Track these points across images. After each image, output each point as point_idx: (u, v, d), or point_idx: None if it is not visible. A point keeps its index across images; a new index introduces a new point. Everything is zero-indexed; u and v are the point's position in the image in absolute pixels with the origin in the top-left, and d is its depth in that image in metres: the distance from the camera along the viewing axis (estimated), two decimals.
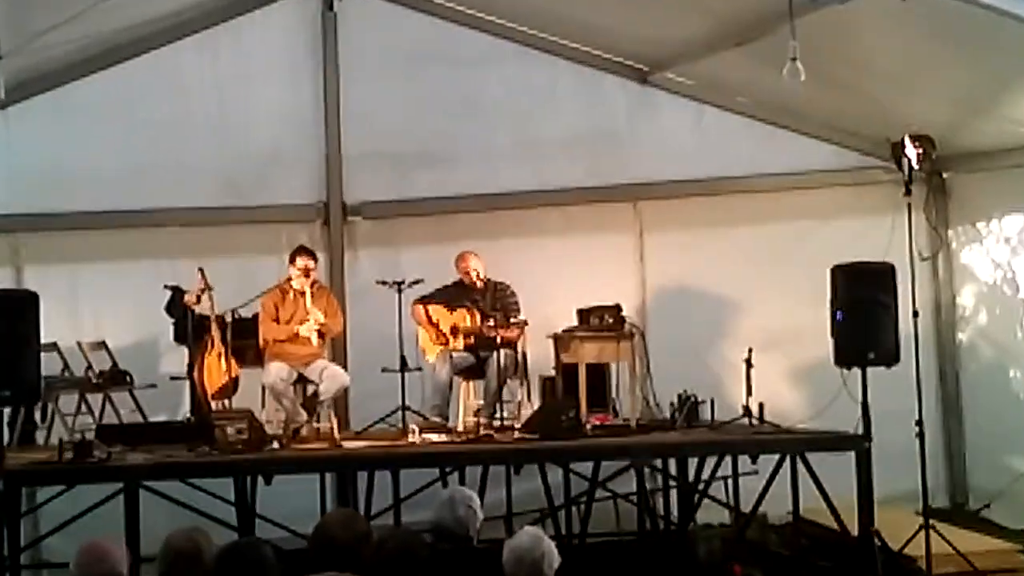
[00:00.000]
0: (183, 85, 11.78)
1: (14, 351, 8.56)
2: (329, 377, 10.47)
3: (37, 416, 10.57)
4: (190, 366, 10.57)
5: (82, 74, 11.52)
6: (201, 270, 10.55)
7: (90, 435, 9.59)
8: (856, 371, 9.64)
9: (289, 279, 10.70)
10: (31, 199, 11.43)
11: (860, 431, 9.51)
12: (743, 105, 12.14)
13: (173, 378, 10.96)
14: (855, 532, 9.41)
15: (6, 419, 9.26)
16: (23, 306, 8.71)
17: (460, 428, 10.72)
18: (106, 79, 11.58)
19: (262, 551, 5.65)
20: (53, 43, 10.31)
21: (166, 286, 10.79)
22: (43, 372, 9.06)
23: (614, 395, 11.07)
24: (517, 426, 10.30)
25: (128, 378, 10.94)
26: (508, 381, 10.79)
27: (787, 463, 9.67)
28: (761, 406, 10.28)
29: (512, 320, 10.71)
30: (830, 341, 9.78)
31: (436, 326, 11.01)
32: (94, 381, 10.76)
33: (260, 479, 9.74)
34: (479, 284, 10.97)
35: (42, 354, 8.99)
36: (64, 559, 7.86)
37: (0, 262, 11.42)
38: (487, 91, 12.19)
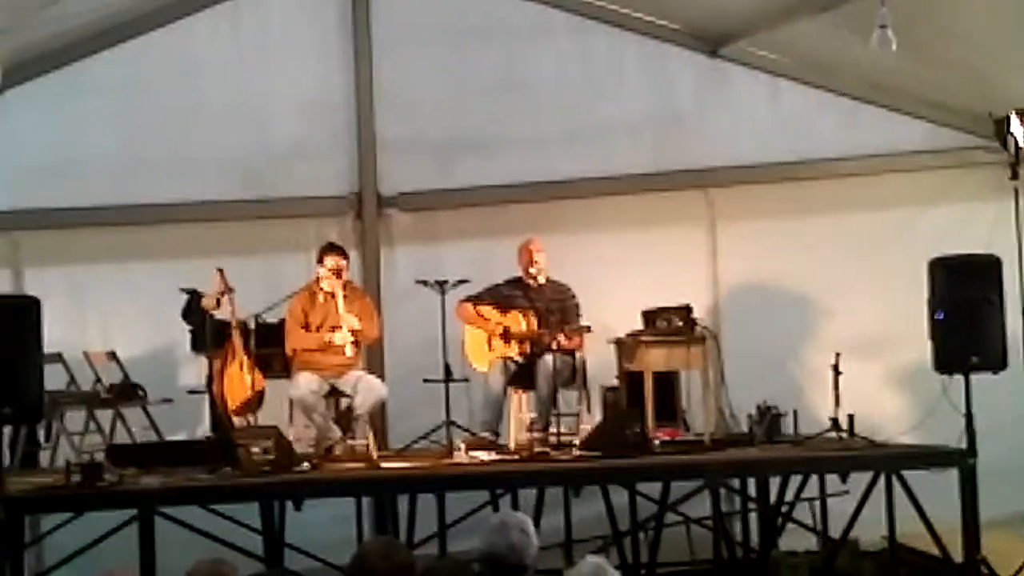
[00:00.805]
0: (197, 65, 11.77)
1: (14, 363, 8.59)
2: (365, 389, 10.42)
3: (40, 435, 10.66)
4: (209, 378, 10.59)
5: (85, 54, 11.51)
6: (220, 271, 10.56)
7: (99, 456, 9.67)
8: (959, 378, 9.63)
9: (318, 280, 10.67)
10: (31, 193, 11.41)
11: (964, 445, 9.49)
12: (826, 79, 12.07)
13: (191, 392, 10.96)
14: (959, 559, 9.40)
15: (6, 439, 9.33)
16: (23, 313, 8.73)
17: (512, 445, 10.69)
18: (111, 59, 11.59)
19: None
20: (51, 19, 10.36)
21: (182, 289, 10.76)
22: (46, 386, 9.10)
23: (684, 407, 11.07)
24: (576, 442, 10.28)
25: (141, 392, 10.97)
26: (563, 389, 10.73)
27: (881, 482, 9.62)
28: (851, 418, 10.26)
29: (574, 325, 10.65)
30: (929, 344, 9.77)
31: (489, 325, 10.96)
32: (103, 396, 10.78)
33: (289, 504, 9.71)
34: (540, 280, 10.91)
35: (45, 366, 9.03)
36: None
37: None
38: (538, 68, 12.17)
